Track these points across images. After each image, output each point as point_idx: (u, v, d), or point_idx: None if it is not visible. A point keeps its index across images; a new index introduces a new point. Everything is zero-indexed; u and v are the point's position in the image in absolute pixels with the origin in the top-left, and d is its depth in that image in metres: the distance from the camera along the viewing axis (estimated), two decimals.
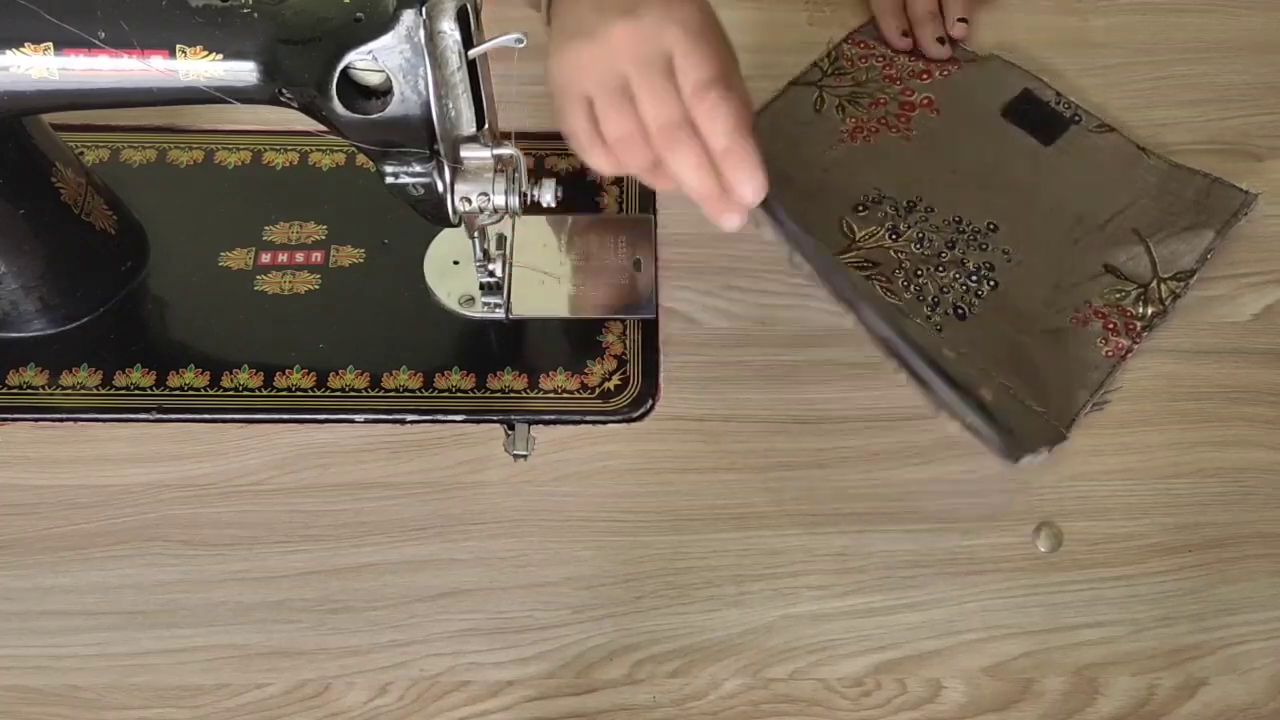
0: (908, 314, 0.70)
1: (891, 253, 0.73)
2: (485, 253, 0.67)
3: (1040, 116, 0.79)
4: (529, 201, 0.61)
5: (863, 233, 0.73)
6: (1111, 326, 0.70)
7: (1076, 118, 0.79)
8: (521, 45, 0.54)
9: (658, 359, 0.70)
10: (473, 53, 0.55)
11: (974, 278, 0.71)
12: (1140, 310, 0.70)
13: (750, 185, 0.57)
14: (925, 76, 0.81)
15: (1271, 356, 0.71)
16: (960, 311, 0.70)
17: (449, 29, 0.54)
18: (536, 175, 0.70)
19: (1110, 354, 0.69)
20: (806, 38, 0.84)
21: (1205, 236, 0.73)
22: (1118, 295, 0.71)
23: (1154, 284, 0.71)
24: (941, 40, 0.81)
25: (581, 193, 0.76)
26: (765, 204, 0.58)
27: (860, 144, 0.77)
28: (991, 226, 0.73)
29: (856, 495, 0.65)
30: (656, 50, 0.57)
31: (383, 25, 0.53)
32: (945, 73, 0.81)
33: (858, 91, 0.79)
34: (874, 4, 0.84)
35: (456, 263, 0.72)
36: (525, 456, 0.66)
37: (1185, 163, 0.78)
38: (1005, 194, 0.75)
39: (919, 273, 0.72)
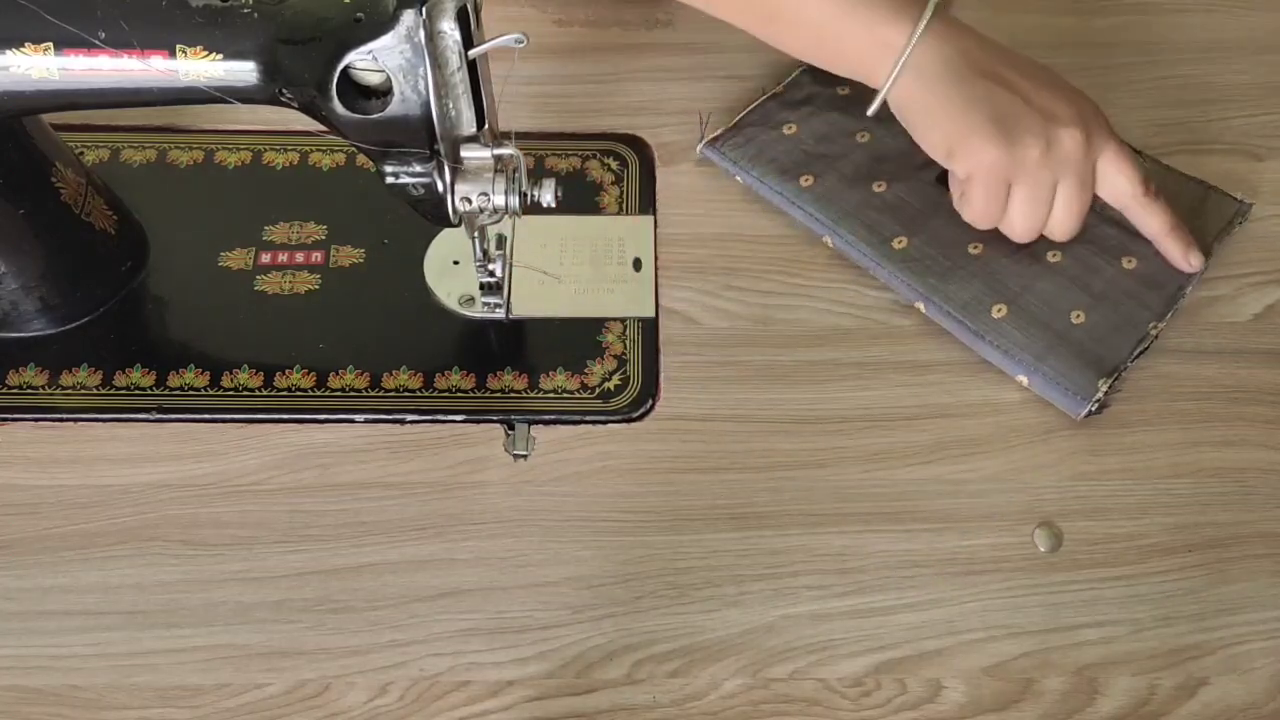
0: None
1: None
2: (485, 253, 0.67)
3: None
4: (529, 201, 0.61)
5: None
6: None
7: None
8: (521, 45, 0.54)
9: (658, 359, 0.70)
10: (473, 53, 0.55)
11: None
12: None
13: (1195, 257, 0.71)
14: None
15: (1272, 356, 0.71)
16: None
17: (449, 29, 0.54)
18: (536, 175, 0.71)
19: None
20: None
21: (1200, 243, 0.72)
22: None
23: None
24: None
25: (581, 193, 0.76)
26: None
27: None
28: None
29: (856, 495, 0.66)
30: (1091, 166, 0.67)
31: (383, 25, 0.53)
32: None
33: (852, 99, 0.79)
34: None
35: (456, 263, 0.72)
36: (525, 456, 0.66)
37: (1185, 163, 0.78)
38: None
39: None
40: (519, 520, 0.64)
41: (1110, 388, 0.67)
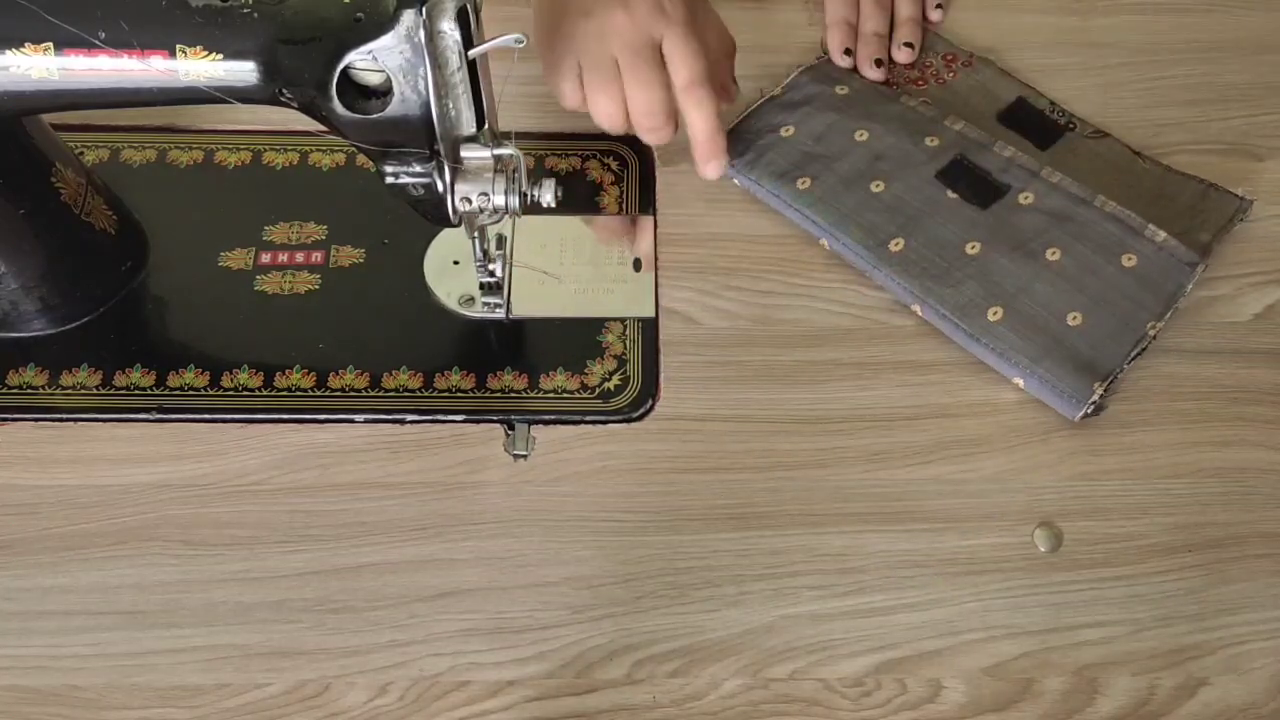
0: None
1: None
2: (485, 253, 0.67)
3: (1035, 123, 0.79)
4: (529, 201, 0.61)
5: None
6: None
7: (1071, 125, 0.79)
8: (521, 45, 0.54)
9: (658, 359, 0.70)
10: (473, 53, 0.55)
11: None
12: None
13: (713, 168, 0.72)
14: (920, 84, 0.81)
15: (1272, 356, 0.71)
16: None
17: (449, 29, 0.54)
18: (536, 175, 0.71)
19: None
20: (807, 38, 0.84)
21: (1200, 242, 0.72)
22: None
23: None
24: (879, 63, 0.80)
25: (581, 193, 0.76)
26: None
27: None
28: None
29: (856, 495, 0.66)
30: (646, 40, 0.68)
31: (383, 25, 0.53)
32: (941, 80, 0.81)
33: (851, 99, 0.79)
34: (826, 13, 0.83)
35: (456, 263, 0.72)
36: (525, 456, 0.66)
37: (1185, 164, 0.78)
38: None
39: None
40: (519, 520, 0.64)
41: (1106, 390, 0.67)
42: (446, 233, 0.72)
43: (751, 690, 0.60)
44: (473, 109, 0.57)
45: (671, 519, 0.65)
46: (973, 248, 0.71)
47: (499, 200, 0.59)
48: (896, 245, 0.71)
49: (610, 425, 0.68)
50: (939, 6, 0.83)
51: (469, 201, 0.59)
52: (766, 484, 0.66)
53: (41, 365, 0.67)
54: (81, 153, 0.74)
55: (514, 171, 0.60)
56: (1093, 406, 0.67)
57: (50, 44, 0.55)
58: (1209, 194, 0.76)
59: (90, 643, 0.60)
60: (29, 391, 0.67)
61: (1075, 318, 0.69)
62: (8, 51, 0.55)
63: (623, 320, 0.71)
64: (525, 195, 0.61)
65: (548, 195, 0.61)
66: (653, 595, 0.62)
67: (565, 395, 0.68)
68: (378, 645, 0.61)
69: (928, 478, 0.66)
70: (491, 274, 0.68)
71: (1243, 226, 0.75)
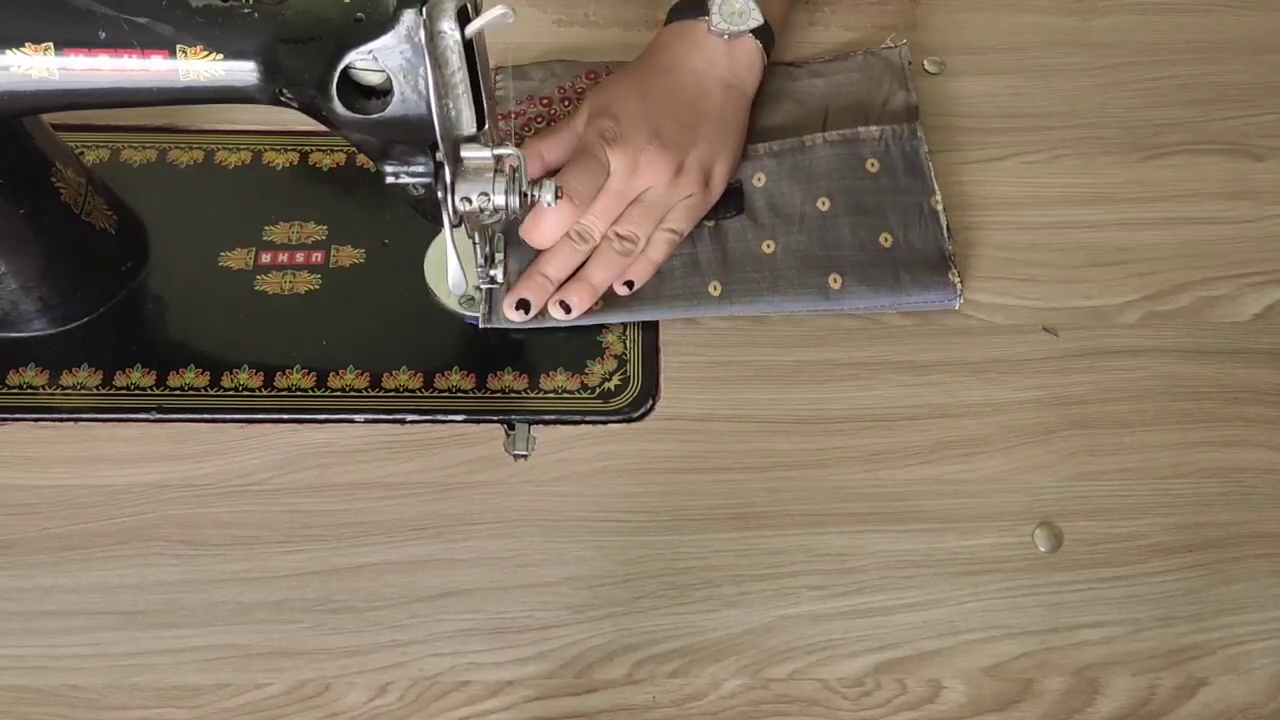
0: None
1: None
2: (488, 257, 0.67)
3: None
4: (529, 201, 0.61)
5: None
6: None
7: None
8: (510, 21, 0.54)
9: (658, 359, 0.70)
10: (469, 29, 0.54)
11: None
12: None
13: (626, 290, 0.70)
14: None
15: (1271, 356, 0.71)
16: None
17: (449, 29, 0.54)
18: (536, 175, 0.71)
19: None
20: (806, 38, 0.84)
21: (906, 106, 0.78)
22: None
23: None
24: (523, 305, 0.69)
25: None
26: None
27: None
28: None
29: (856, 495, 0.66)
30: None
31: (383, 25, 0.53)
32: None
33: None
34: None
35: None
36: (525, 456, 0.66)
37: (1185, 163, 0.78)
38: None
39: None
40: (519, 520, 0.64)
41: (958, 271, 0.71)
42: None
43: (751, 690, 0.60)
44: (473, 109, 0.57)
45: (671, 519, 0.65)
46: (768, 246, 0.72)
47: (499, 200, 0.59)
48: (715, 289, 0.71)
49: (610, 425, 0.68)
50: (629, 284, 0.70)
51: (469, 201, 0.59)
52: (766, 484, 0.66)
53: (41, 365, 0.67)
54: (81, 153, 0.74)
55: (514, 171, 0.60)
56: (959, 287, 0.71)
57: (50, 44, 0.55)
58: (869, 61, 0.80)
59: (90, 643, 0.60)
60: (29, 391, 0.67)
61: (886, 239, 0.72)
62: (8, 51, 0.55)
63: (623, 320, 0.71)
64: (525, 195, 0.61)
65: (548, 195, 0.61)
66: (653, 595, 0.62)
67: (565, 395, 0.68)
68: (378, 645, 0.61)
69: (928, 478, 0.66)
70: (493, 280, 0.68)
71: (1243, 227, 0.76)
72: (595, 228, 0.69)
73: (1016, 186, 0.77)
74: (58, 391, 0.67)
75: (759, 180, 0.74)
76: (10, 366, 0.67)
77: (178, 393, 0.67)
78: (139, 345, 0.69)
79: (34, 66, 0.56)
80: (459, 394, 0.68)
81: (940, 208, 0.73)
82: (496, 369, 0.69)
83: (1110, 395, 0.69)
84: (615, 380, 0.69)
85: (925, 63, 0.83)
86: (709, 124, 0.72)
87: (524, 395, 0.68)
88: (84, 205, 0.67)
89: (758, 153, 0.75)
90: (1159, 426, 0.68)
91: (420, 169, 0.58)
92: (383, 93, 0.55)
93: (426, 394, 0.67)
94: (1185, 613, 0.63)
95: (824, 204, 0.73)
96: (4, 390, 0.67)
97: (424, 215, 0.62)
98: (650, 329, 0.71)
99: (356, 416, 0.67)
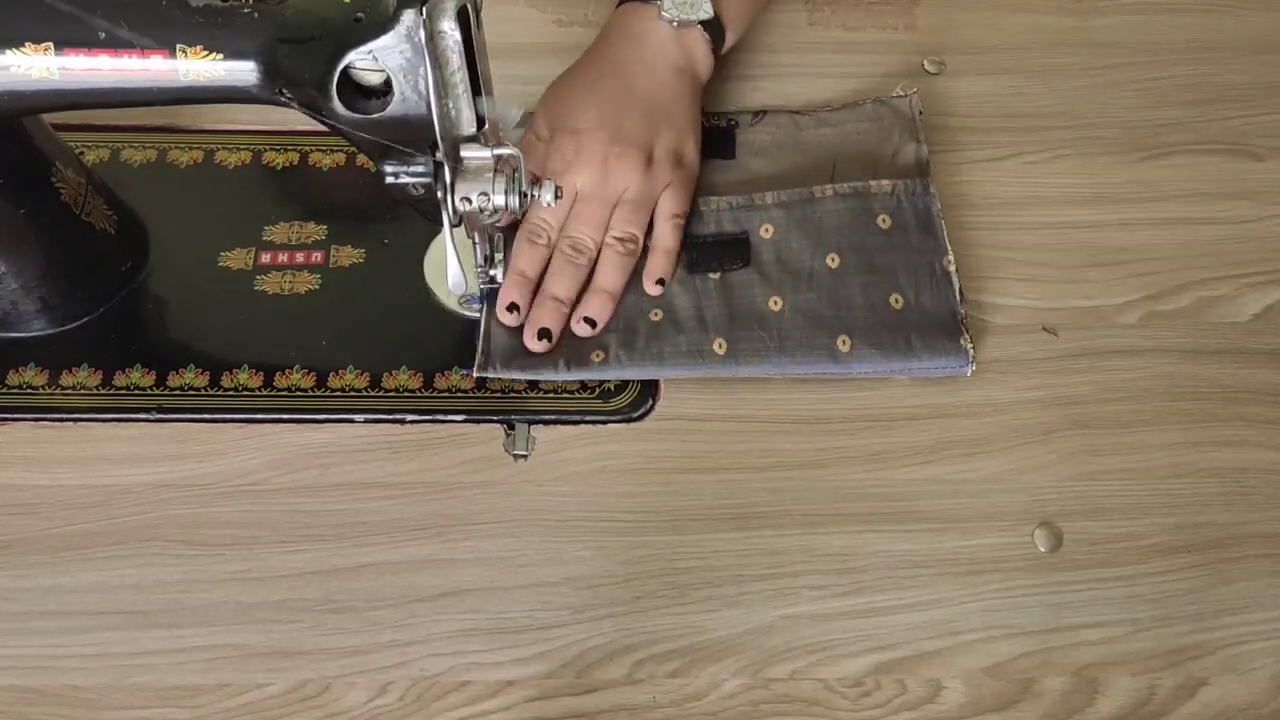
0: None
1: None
2: (488, 258, 0.67)
3: (711, 140, 0.77)
4: (529, 201, 0.61)
5: None
6: None
7: (733, 122, 0.78)
8: (516, 121, 0.56)
9: None
10: (482, 106, 0.55)
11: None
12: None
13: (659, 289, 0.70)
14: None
15: (1271, 356, 0.71)
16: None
17: (449, 29, 0.54)
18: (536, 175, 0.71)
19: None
20: (807, 38, 0.84)
21: (916, 159, 0.76)
22: None
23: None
24: (544, 334, 0.68)
25: None
26: None
27: None
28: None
29: (856, 495, 0.66)
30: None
31: (383, 25, 0.53)
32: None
33: None
34: (511, 260, 0.70)
35: None
36: (525, 456, 0.66)
37: (1185, 163, 0.78)
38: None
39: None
40: (519, 520, 0.64)
41: (969, 335, 0.69)
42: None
43: (751, 690, 0.60)
44: (473, 109, 0.57)
45: (671, 519, 0.65)
46: (775, 303, 0.70)
47: (499, 200, 0.59)
48: (720, 347, 0.68)
49: (610, 425, 0.68)
50: (660, 282, 0.70)
51: (469, 201, 0.59)
52: (766, 484, 0.66)
53: (41, 365, 0.67)
54: (81, 153, 0.74)
55: (514, 171, 0.60)
56: (972, 353, 0.68)
57: (50, 44, 0.55)
58: (879, 110, 0.78)
59: (90, 643, 0.60)
60: (29, 391, 0.67)
61: (897, 300, 0.70)
62: (8, 51, 0.55)
63: None
64: (525, 195, 0.61)
65: (548, 195, 0.61)
66: (653, 595, 0.62)
67: (565, 395, 0.68)
68: (378, 645, 0.61)
69: (928, 478, 0.66)
70: (493, 280, 0.68)
71: (1243, 227, 0.76)
72: (587, 237, 0.69)
73: (1016, 186, 0.78)
74: (58, 391, 0.67)
75: (766, 231, 0.72)
76: (10, 366, 0.67)
77: (178, 393, 0.67)
78: (139, 345, 0.69)
79: (34, 66, 0.56)
80: (459, 394, 0.68)
81: (953, 269, 0.71)
82: None
83: (1110, 395, 0.69)
84: (615, 380, 0.69)
85: (925, 63, 0.83)
86: (666, 111, 0.71)
87: (524, 395, 0.68)
88: (84, 205, 0.67)
89: (765, 201, 0.73)
90: (1159, 426, 0.68)
91: (420, 169, 0.58)
92: (383, 93, 0.55)
93: (426, 394, 0.67)
94: (1185, 613, 0.63)
95: (834, 261, 0.71)
96: (4, 390, 0.67)
97: (424, 215, 0.61)
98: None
99: (356, 416, 0.67)
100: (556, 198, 0.61)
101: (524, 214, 0.68)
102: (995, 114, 0.81)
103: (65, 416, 0.66)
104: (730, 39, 0.76)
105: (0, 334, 0.68)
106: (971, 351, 0.68)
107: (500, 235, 0.70)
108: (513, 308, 0.68)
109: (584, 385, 0.68)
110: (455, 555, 0.63)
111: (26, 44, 0.55)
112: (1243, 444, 0.68)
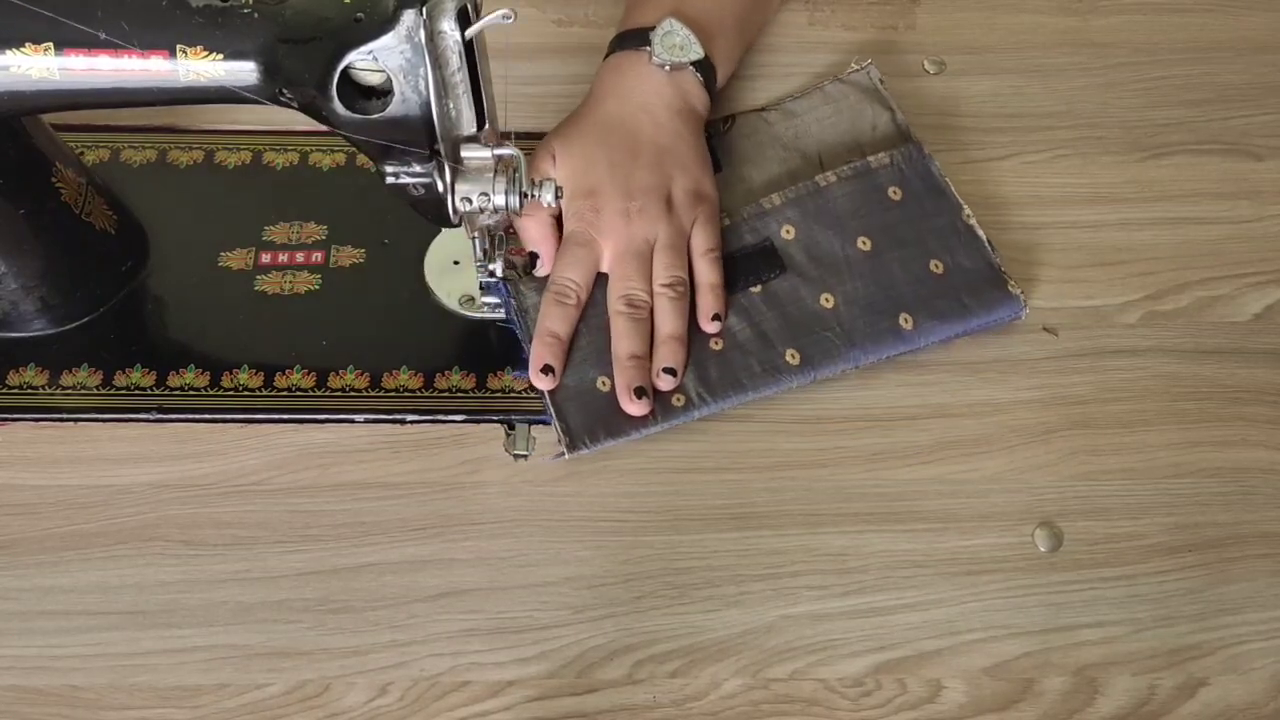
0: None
1: None
2: (485, 252, 0.67)
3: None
4: (529, 201, 0.61)
5: None
6: None
7: (707, 134, 0.76)
8: (509, 21, 0.54)
9: None
10: (469, 32, 0.54)
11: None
12: None
13: (716, 325, 0.69)
14: None
15: (1272, 356, 0.71)
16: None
17: (449, 29, 0.54)
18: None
19: None
20: (807, 38, 0.84)
21: (899, 129, 0.77)
22: None
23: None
24: (640, 393, 0.66)
25: None
26: None
27: None
28: None
29: (856, 495, 0.66)
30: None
31: (383, 25, 0.53)
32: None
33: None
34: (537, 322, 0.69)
35: (456, 263, 0.72)
36: (525, 456, 0.66)
37: (1185, 163, 0.78)
38: None
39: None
40: (519, 520, 0.64)
41: (1014, 281, 0.71)
42: (446, 233, 0.72)
43: (751, 690, 0.60)
44: (473, 109, 0.57)
45: (671, 519, 0.65)
46: (827, 300, 0.70)
47: (499, 200, 0.59)
48: (793, 357, 0.68)
49: None
50: (715, 318, 0.69)
51: (469, 201, 0.59)
52: (767, 484, 0.66)
53: (41, 365, 0.67)
54: (81, 153, 0.74)
55: (514, 171, 0.60)
56: (1022, 297, 0.70)
57: (50, 44, 0.55)
58: (841, 90, 0.79)
59: (90, 643, 0.60)
60: (29, 391, 0.67)
61: (936, 265, 0.71)
62: (8, 51, 0.55)
63: None
64: (525, 195, 0.61)
65: (548, 195, 0.61)
66: (653, 595, 0.62)
67: None
68: (378, 645, 0.61)
69: (928, 478, 0.66)
70: (491, 274, 0.68)
71: (1243, 227, 0.76)
72: (639, 291, 0.68)
73: (1016, 186, 0.77)
74: (58, 391, 0.67)
75: (788, 233, 0.72)
76: (10, 366, 0.67)
77: (178, 393, 0.67)
78: (139, 345, 0.69)
79: (34, 66, 0.56)
80: (459, 394, 0.68)
81: (974, 221, 0.72)
82: (496, 369, 0.68)
83: (1110, 395, 0.69)
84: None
85: (925, 63, 0.83)
86: (674, 153, 0.71)
87: (524, 395, 0.68)
88: (84, 205, 0.67)
89: (774, 204, 0.73)
90: (1159, 426, 0.68)
91: (420, 169, 0.58)
92: (383, 93, 0.55)
93: (426, 394, 0.67)
94: (1185, 613, 0.63)
95: (864, 244, 0.71)
96: (4, 390, 0.67)
97: (424, 215, 0.61)
98: None
99: (356, 416, 0.67)
100: (557, 198, 0.61)
101: (519, 212, 0.67)
102: (995, 114, 0.81)
103: (65, 416, 0.66)
104: (722, 75, 0.76)
105: (0, 334, 0.68)
106: (1021, 295, 0.70)
107: (501, 234, 0.70)
108: (547, 369, 0.67)
109: None
110: (455, 555, 0.63)
111: (26, 44, 0.55)
112: (1243, 444, 0.68)
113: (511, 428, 0.67)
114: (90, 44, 0.55)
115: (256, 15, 0.55)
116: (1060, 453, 0.67)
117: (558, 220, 0.71)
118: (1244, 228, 0.76)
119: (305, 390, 0.67)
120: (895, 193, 0.73)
